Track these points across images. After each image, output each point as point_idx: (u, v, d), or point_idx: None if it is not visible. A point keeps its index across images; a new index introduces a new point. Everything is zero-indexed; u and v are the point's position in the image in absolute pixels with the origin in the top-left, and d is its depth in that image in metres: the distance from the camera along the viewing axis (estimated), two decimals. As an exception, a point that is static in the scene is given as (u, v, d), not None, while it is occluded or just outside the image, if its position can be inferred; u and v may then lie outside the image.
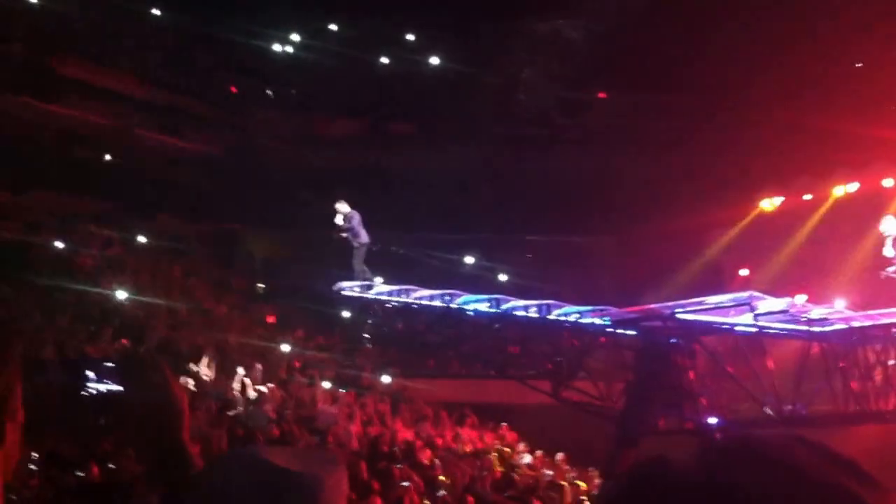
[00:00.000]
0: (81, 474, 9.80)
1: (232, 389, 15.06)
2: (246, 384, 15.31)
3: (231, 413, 14.04)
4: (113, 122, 24.94)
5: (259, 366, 16.64)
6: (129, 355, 9.32)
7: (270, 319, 21.05)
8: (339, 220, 19.15)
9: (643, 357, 15.07)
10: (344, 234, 19.14)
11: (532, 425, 18.64)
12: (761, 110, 21.62)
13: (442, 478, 13.27)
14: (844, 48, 20.29)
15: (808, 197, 21.46)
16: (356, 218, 19.25)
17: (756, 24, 21.78)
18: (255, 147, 26.60)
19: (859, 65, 20.87)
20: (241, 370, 15.70)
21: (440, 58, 29.40)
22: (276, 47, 29.74)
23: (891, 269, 16.30)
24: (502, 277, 23.41)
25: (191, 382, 14.11)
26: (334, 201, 19.23)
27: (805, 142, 19.94)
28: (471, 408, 19.35)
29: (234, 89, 28.90)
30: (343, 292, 19.44)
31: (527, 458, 17.20)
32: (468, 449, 16.76)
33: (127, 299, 18.46)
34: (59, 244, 20.23)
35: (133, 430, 2.71)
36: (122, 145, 25.44)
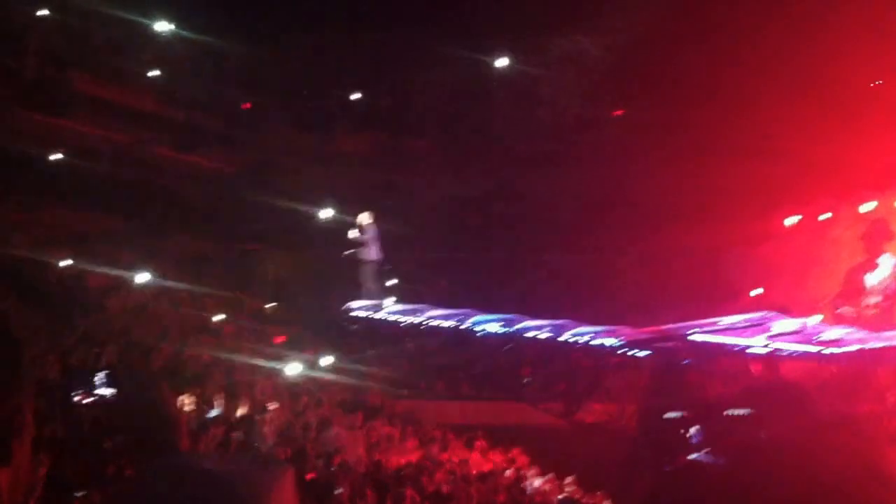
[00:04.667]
0: (82, 495, 9.67)
1: (238, 411, 14.89)
2: (252, 406, 15.14)
3: (236, 435, 13.87)
4: (126, 139, 24.95)
5: (266, 387, 16.49)
6: (129, 373, 9.23)
7: (279, 340, 20.91)
8: (353, 232, 19.14)
9: (657, 378, 14.88)
10: (355, 250, 19.11)
11: (544, 448, 18.42)
12: (780, 128, 21.46)
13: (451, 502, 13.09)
14: (865, 67, 20.10)
15: (826, 216, 21.22)
16: (372, 233, 19.20)
17: (775, 43, 21.64)
18: (271, 165, 26.55)
19: (878, 83, 20.66)
20: (247, 392, 15.56)
21: (457, 74, 29.32)
22: (291, 63, 29.70)
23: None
24: (514, 296, 23.19)
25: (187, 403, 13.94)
26: (349, 219, 19.23)
27: (824, 161, 19.75)
28: (481, 430, 19.14)
29: (247, 105, 28.89)
30: (353, 313, 19.30)
31: (538, 482, 16.95)
32: (477, 472, 16.54)
33: (134, 318, 18.37)
34: (68, 262, 20.16)
35: (133, 445, 2.66)
36: (136, 162, 25.42)
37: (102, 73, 26.04)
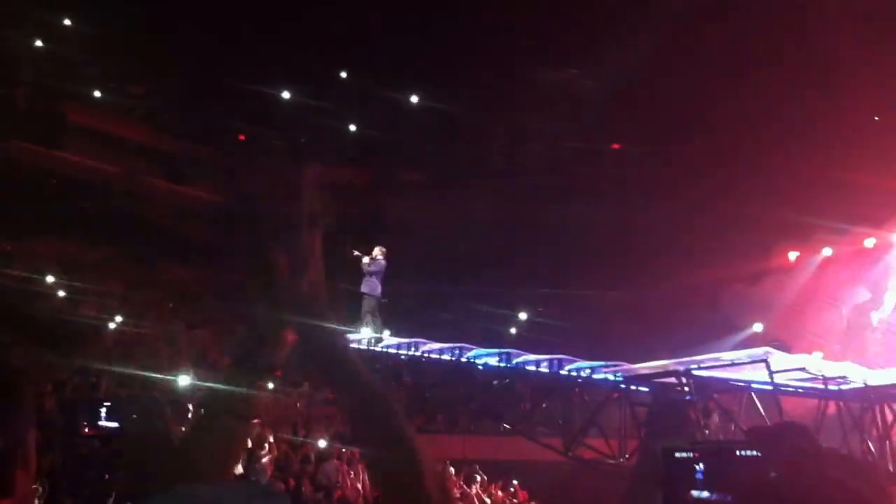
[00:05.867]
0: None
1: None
2: (249, 439, 14.96)
3: (234, 469, 13.70)
4: (119, 169, 24.89)
5: (264, 419, 16.32)
6: (130, 403, 9.10)
7: (277, 373, 20.69)
8: (365, 260, 19.18)
9: (657, 414, 14.75)
10: (364, 270, 19.13)
11: (544, 483, 18.28)
12: (778, 163, 21.49)
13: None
14: (863, 101, 20.15)
15: (827, 252, 21.22)
16: (381, 268, 19.23)
17: (772, 77, 21.71)
18: (263, 196, 26.46)
19: (877, 118, 20.72)
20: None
21: (451, 106, 29.39)
22: (284, 95, 29.78)
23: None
24: (513, 331, 23.11)
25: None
26: (342, 251, 19.21)
27: (824, 196, 19.75)
28: (480, 465, 18.97)
29: (241, 137, 28.93)
30: (351, 345, 19.19)
31: (537, 518, 16.80)
32: (477, 507, 16.39)
33: (131, 348, 18.26)
34: (61, 293, 20.04)
35: (134, 476, 2.59)
36: (128, 192, 25.35)
37: (94, 104, 26.06)
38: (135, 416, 8.01)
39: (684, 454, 6.38)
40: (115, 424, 7.48)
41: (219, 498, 1.91)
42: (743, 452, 6.03)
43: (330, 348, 2.30)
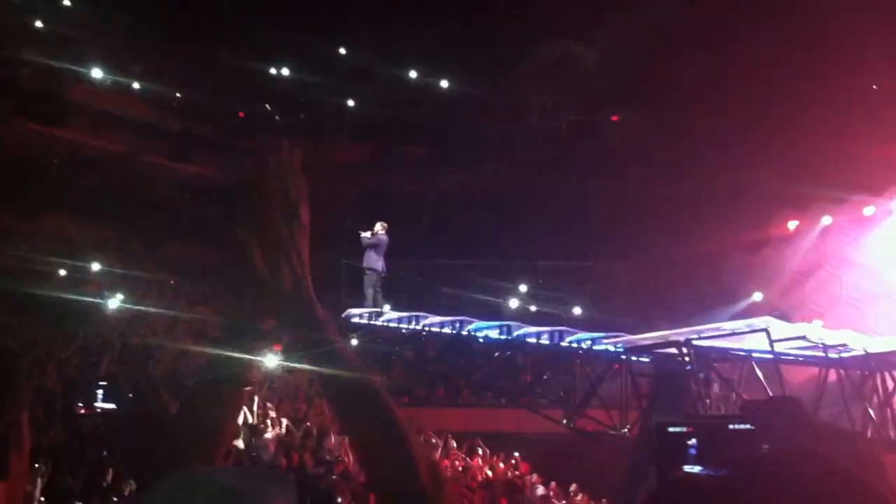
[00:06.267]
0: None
1: (238, 420, 14.77)
2: (251, 414, 15.02)
3: (238, 443, 13.75)
4: (121, 148, 24.86)
5: (266, 395, 16.37)
6: (128, 382, 9.12)
7: (278, 347, 20.69)
8: (366, 234, 19.19)
9: (658, 385, 14.78)
10: (365, 243, 19.16)
11: (545, 455, 18.33)
12: (777, 132, 21.41)
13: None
14: (867, 71, 20.06)
15: (827, 220, 21.16)
16: (382, 242, 19.22)
17: (773, 46, 21.57)
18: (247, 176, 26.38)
19: (876, 87, 20.62)
20: (247, 400, 15.41)
21: (450, 80, 29.26)
22: (285, 71, 29.64)
23: None
24: (513, 303, 23.08)
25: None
26: (349, 227, 19.30)
27: (823, 165, 19.69)
28: (482, 437, 19.04)
29: (241, 115, 28.84)
30: (352, 319, 19.15)
31: (540, 490, 16.85)
32: (479, 478, 16.44)
33: (131, 329, 18.28)
34: (63, 272, 20.06)
35: (132, 454, 2.59)
36: (130, 171, 25.32)
37: (94, 82, 25.99)
38: (131, 395, 8.08)
39: (677, 428, 6.37)
40: (111, 405, 7.51)
41: (222, 482, 1.96)
42: (736, 426, 6.04)
43: (316, 345, 2.27)
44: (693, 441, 7.66)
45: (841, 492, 1.54)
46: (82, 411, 7.82)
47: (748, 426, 6.37)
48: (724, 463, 1.87)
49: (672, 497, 1.97)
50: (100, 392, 7.41)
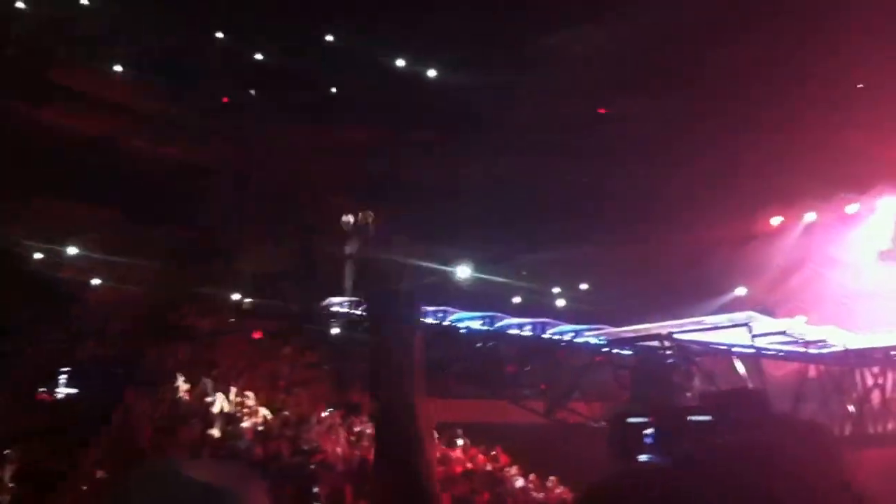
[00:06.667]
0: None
1: (213, 407, 14.67)
2: (229, 402, 14.94)
3: (213, 431, 13.68)
4: (107, 130, 24.64)
5: (244, 383, 16.30)
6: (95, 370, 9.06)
7: (257, 335, 20.59)
8: (349, 221, 19.04)
9: (639, 377, 14.77)
10: (348, 232, 19.02)
11: (526, 446, 18.28)
12: (766, 129, 21.38)
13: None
14: (853, 69, 20.02)
15: (811, 217, 21.16)
16: (367, 232, 19.08)
17: (765, 44, 21.51)
18: (258, 158, 26.21)
19: (861, 86, 20.58)
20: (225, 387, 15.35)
21: (456, 65, 28.96)
22: (284, 53, 29.26)
23: None
24: (499, 293, 22.98)
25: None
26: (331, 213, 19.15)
27: (808, 162, 19.67)
28: (463, 428, 18.97)
29: (225, 99, 28.48)
30: (332, 308, 19.03)
31: (520, 482, 16.83)
32: (458, 470, 16.40)
33: (111, 312, 18.18)
34: (47, 255, 19.93)
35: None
36: (118, 153, 25.07)
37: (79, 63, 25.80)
38: (92, 382, 7.99)
39: (636, 419, 6.36)
40: (74, 390, 7.46)
41: (197, 478, 1.94)
42: (694, 418, 6.03)
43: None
44: (650, 431, 7.70)
45: (783, 481, 1.50)
46: (49, 397, 7.76)
47: (707, 417, 6.41)
48: (678, 453, 1.85)
49: (617, 486, 1.93)
50: (67, 378, 7.35)
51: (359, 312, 18.75)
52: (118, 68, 27.01)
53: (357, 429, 16.72)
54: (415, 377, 11.91)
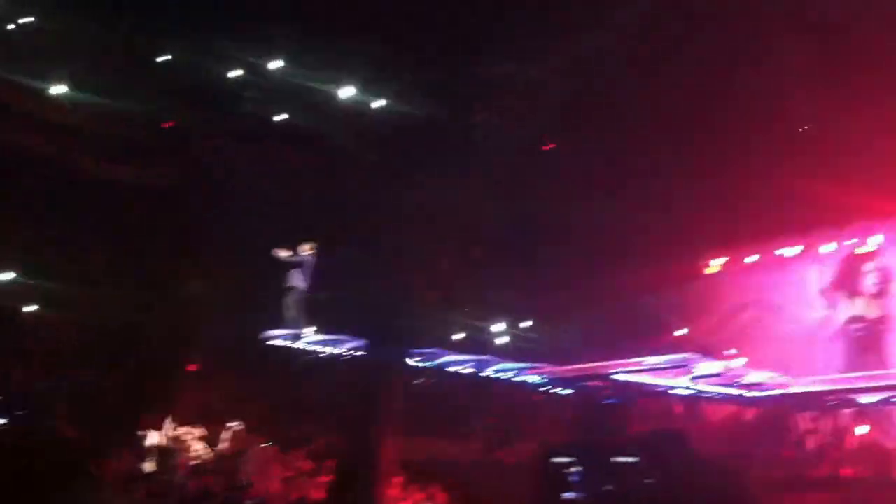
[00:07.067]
0: None
1: (146, 441, 14.38)
2: (161, 436, 14.65)
3: (145, 466, 13.39)
4: (47, 151, 24.19)
5: (179, 416, 16.00)
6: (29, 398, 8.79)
7: (192, 368, 20.17)
8: (286, 254, 18.87)
9: (579, 416, 14.78)
10: (287, 262, 18.85)
11: (464, 485, 18.10)
12: (708, 169, 21.49)
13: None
14: (798, 109, 20.22)
15: (752, 259, 21.35)
16: (306, 262, 18.92)
17: (710, 83, 21.66)
18: (203, 180, 25.79)
19: (804, 128, 20.82)
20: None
21: (398, 95, 28.76)
22: (230, 73, 28.89)
23: None
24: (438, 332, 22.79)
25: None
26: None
27: (752, 203, 19.82)
28: (399, 465, 18.73)
29: (170, 123, 28.06)
30: (272, 341, 18.78)
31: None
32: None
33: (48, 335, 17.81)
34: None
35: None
36: (57, 175, 24.57)
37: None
38: (22, 412, 7.73)
39: (561, 459, 6.39)
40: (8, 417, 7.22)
41: None
42: (619, 458, 6.09)
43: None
44: (575, 470, 7.73)
45: None
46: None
47: (632, 458, 6.44)
48: (604, 492, 1.78)
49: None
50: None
51: (298, 346, 18.53)
52: (60, 88, 26.58)
53: (293, 464, 16.45)
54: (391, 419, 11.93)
